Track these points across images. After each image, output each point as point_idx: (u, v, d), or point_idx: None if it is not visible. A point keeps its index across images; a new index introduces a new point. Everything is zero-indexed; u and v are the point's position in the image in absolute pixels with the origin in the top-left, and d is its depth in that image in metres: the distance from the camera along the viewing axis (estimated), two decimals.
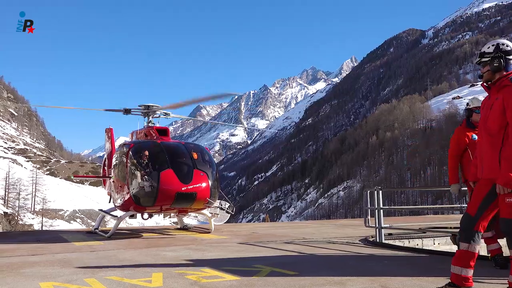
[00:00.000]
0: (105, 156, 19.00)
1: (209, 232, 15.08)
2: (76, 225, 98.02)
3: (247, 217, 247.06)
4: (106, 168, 18.10)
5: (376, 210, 11.20)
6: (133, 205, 13.45)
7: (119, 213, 15.19)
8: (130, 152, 13.75)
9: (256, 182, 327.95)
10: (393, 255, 8.95)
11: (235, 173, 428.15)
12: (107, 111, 18.48)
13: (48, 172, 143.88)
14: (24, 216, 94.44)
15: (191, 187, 12.54)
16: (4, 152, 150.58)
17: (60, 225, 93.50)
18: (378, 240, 11.02)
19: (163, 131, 15.56)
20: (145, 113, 16.70)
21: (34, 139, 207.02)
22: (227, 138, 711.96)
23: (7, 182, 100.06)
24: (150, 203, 12.86)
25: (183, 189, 12.44)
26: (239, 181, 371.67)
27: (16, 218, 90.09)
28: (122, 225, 16.75)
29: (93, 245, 11.59)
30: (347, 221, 26.02)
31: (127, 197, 13.65)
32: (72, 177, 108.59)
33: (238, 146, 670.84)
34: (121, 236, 14.65)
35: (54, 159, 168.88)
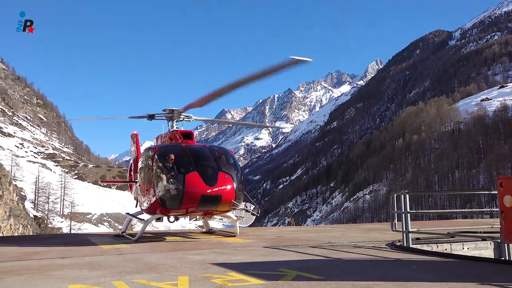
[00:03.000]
0: (131, 161, 19.21)
1: (234, 236, 15.09)
2: (103, 229, 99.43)
3: (272, 221, 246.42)
4: (132, 173, 18.31)
5: (403, 214, 11.05)
6: (159, 208, 13.52)
7: (145, 216, 15.30)
8: (156, 156, 13.83)
9: (281, 186, 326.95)
10: (420, 260, 8.82)
11: (260, 177, 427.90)
12: (132, 118, 18.70)
13: (76, 176, 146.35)
14: (53, 219, 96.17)
15: (216, 189, 12.58)
16: (34, 156, 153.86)
17: (88, 228, 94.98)
18: (405, 245, 10.88)
19: (188, 135, 15.67)
20: (169, 117, 16.86)
21: (63, 144, 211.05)
22: (251, 142, 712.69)
23: (37, 186, 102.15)
24: (176, 205, 12.92)
25: (208, 191, 12.48)
26: (264, 184, 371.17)
27: (45, 221, 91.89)
28: (148, 228, 16.91)
29: (120, 248, 11.74)
30: (373, 225, 25.73)
31: (153, 200, 13.72)
32: (99, 182, 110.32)
33: (263, 150, 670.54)
34: (147, 239, 14.78)
35: (82, 164, 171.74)
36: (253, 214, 15.50)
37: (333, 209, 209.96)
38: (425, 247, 11.61)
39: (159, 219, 14.86)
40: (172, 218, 14.68)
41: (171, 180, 12.96)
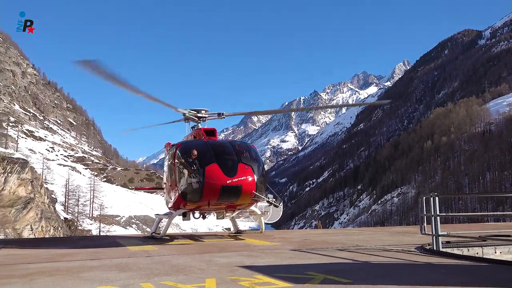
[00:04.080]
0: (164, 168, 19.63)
1: (260, 232, 15.12)
2: (132, 231, 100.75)
3: (299, 224, 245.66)
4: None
5: (433, 217, 10.86)
6: (182, 202, 13.76)
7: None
8: (178, 152, 14.15)
9: (307, 189, 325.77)
10: (451, 264, 8.65)
11: (286, 180, 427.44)
12: (169, 123, 19.00)
13: (105, 179, 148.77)
14: (83, 221, 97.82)
15: (236, 180, 12.66)
16: (64, 160, 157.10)
17: (116, 230, 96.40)
18: (435, 248, 10.68)
19: (211, 132, 15.85)
20: (197, 117, 17.05)
21: (92, 147, 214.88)
22: (278, 144, 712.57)
23: (67, 189, 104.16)
24: (197, 198, 13.06)
25: (228, 182, 12.57)
26: (291, 187, 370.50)
27: (75, 223, 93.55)
28: (176, 230, 17.14)
29: (149, 250, 11.87)
30: (402, 228, 25.38)
31: (177, 195, 14.01)
32: (133, 190, 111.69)
33: (289, 152, 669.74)
34: (174, 241, 14.92)
35: (110, 167, 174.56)
36: (275, 206, 15.50)
37: (361, 212, 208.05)
38: (455, 251, 11.40)
39: (185, 217, 15.01)
40: (197, 214, 14.85)
41: (192, 173, 13.18)
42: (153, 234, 16.49)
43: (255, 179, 13.07)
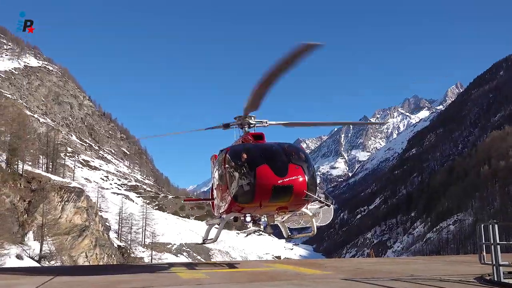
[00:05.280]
0: (212, 181, 19.73)
1: (312, 235, 14.98)
2: (182, 259, 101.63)
3: (350, 252, 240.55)
4: (213, 191, 18.84)
5: (492, 246, 10.37)
6: (234, 205, 13.83)
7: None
8: (227, 156, 14.28)
9: (358, 216, 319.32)
10: None
11: (336, 207, 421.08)
12: (207, 129, 19.13)
13: (157, 207, 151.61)
14: (135, 249, 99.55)
15: (287, 179, 12.64)
16: (118, 188, 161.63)
17: (168, 258, 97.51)
18: (496, 279, 10.17)
19: (259, 136, 15.94)
20: (242, 123, 17.05)
21: (144, 176, 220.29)
22: (327, 171, 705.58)
23: (120, 217, 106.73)
24: (249, 199, 13.09)
25: (279, 182, 12.57)
26: (341, 214, 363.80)
27: (128, 251, 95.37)
28: (226, 258, 17.19)
29: (200, 278, 11.91)
30: (459, 257, 24.36)
31: (228, 199, 14.09)
32: (182, 201, 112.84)
33: (339, 179, 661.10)
34: (224, 268, 14.92)
35: (162, 195, 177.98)
36: (327, 205, 15.33)
37: (415, 240, 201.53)
38: None
39: (236, 221, 15.16)
40: (248, 218, 14.82)
41: (243, 175, 13.28)
42: (204, 240, 16.78)
43: (306, 179, 13.04)
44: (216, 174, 16.04)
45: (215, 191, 16.55)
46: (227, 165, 14.12)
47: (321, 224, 16.49)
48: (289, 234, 17.60)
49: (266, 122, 17.51)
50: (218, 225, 16.03)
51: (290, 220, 17.03)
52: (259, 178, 12.67)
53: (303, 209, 14.47)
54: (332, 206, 16.10)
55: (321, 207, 15.66)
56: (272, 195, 12.63)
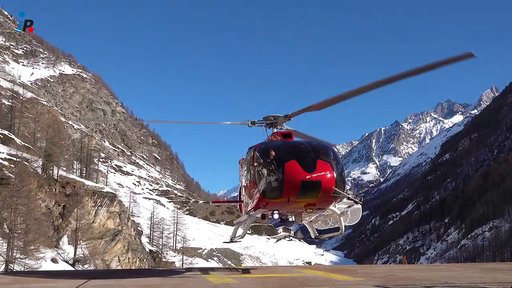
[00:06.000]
0: (240, 183, 19.74)
1: (339, 234, 14.83)
2: (213, 263, 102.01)
3: (382, 259, 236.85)
4: (240, 194, 18.87)
5: None
6: (262, 201, 13.81)
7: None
8: (256, 153, 14.36)
9: (390, 222, 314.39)
10: None
11: (368, 213, 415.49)
12: (233, 124, 19.11)
13: (188, 212, 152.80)
14: (166, 253, 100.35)
15: (315, 175, 12.65)
16: (150, 193, 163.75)
17: (198, 263, 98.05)
18: None
19: (288, 135, 15.93)
20: (269, 124, 17.00)
21: (175, 181, 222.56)
22: (358, 177, 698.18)
23: (152, 221, 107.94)
24: (277, 194, 13.09)
25: (307, 177, 12.59)
26: (373, 220, 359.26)
27: (159, 255, 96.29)
28: (256, 263, 17.13)
29: (230, 284, 11.90)
30: (496, 264, 23.67)
31: (257, 196, 14.09)
32: (210, 202, 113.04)
33: (371, 185, 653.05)
34: (255, 274, 14.88)
35: (193, 200, 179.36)
36: (356, 202, 15.14)
37: (449, 246, 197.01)
38: None
39: (263, 219, 15.20)
40: (276, 215, 14.77)
41: (272, 171, 13.33)
42: (232, 239, 16.80)
43: (334, 176, 13.01)
44: (244, 172, 16.09)
45: (243, 190, 16.58)
46: (255, 162, 14.21)
47: (349, 224, 16.35)
48: (317, 234, 17.43)
49: (288, 116, 16.80)
50: (245, 223, 16.11)
51: (318, 220, 16.93)
52: (287, 174, 12.73)
53: (331, 207, 14.32)
54: (360, 205, 15.89)
55: (349, 206, 15.51)
56: (300, 190, 12.64)
